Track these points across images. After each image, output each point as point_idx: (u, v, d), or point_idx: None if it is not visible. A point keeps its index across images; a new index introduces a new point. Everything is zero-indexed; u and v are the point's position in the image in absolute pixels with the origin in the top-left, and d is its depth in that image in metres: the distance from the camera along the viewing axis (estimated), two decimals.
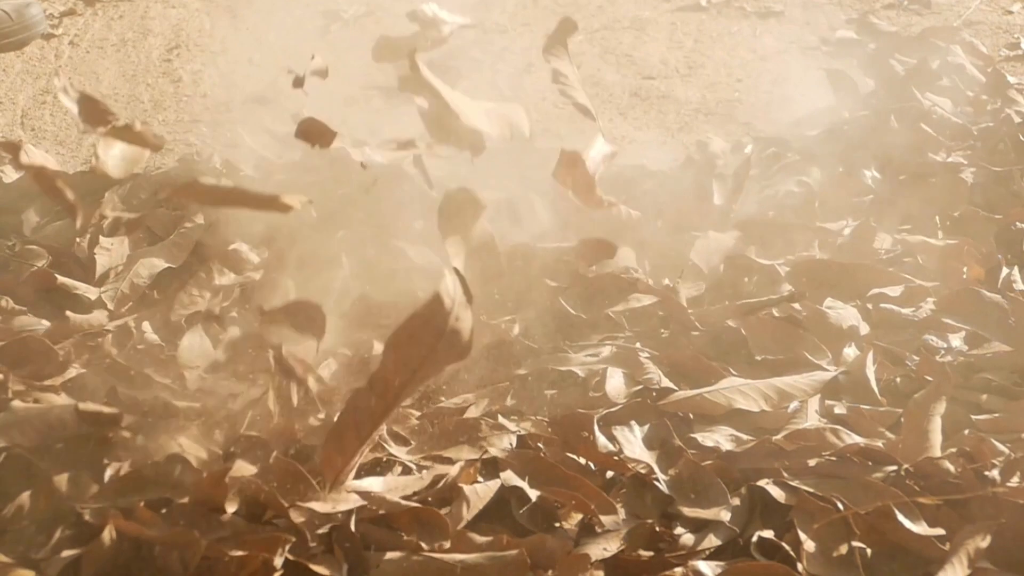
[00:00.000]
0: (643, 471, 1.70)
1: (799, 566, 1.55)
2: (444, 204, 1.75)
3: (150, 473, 1.63)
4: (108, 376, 1.90)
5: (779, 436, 1.76)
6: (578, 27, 2.07)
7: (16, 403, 1.75)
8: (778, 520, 1.64)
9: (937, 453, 1.72)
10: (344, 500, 1.60)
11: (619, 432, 1.78)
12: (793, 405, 1.86)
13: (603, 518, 1.62)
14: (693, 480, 1.68)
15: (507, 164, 2.61)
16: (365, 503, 1.59)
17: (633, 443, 1.77)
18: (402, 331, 1.49)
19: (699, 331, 2.04)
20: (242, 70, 3.22)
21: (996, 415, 1.86)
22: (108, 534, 1.51)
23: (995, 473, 1.67)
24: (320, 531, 1.56)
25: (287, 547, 1.52)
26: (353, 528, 1.56)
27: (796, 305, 2.08)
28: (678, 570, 1.54)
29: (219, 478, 1.58)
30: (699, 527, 1.63)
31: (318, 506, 1.59)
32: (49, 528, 1.57)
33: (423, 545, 1.54)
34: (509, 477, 1.67)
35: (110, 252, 2.27)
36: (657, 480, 1.69)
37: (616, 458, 1.72)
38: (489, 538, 1.56)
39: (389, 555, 1.54)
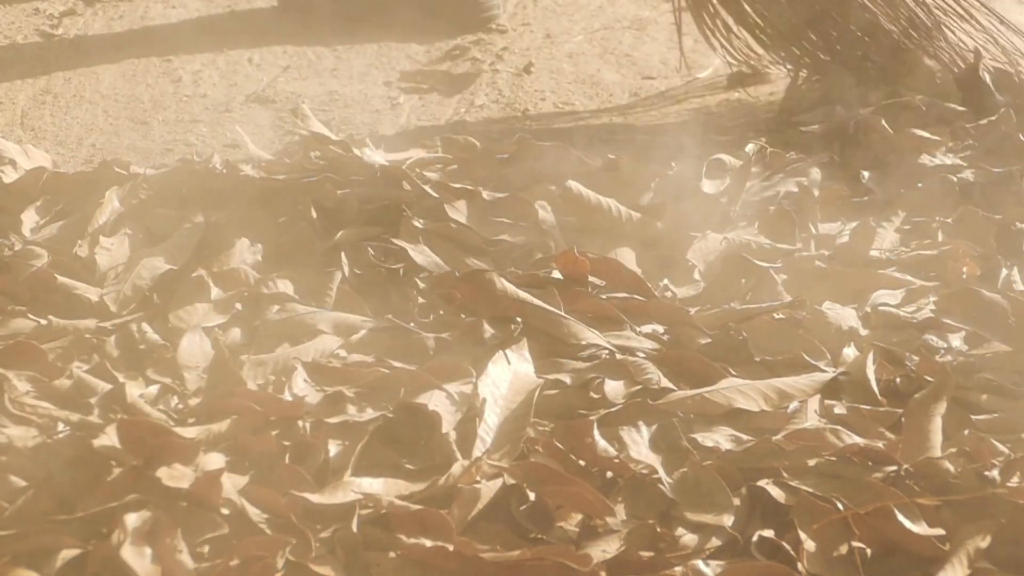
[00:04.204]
0: (644, 471, 1.70)
1: (799, 566, 1.55)
2: None
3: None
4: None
5: (779, 436, 1.76)
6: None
7: None
8: (778, 520, 1.64)
9: (937, 453, 1.72)
10: (342, 492, 1.61)
11: (625, 433, 1.78)
12: (793, 405, 1.86)
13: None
14: (698, 483, 1.68)
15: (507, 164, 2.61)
16: (361, 497, 1.60)
17: (639, 444, 1.77)
18: None
19: (699, 332, 2.03)
20: (242, 70, 3.22)
21: (996, 415, 1.86)
22: (117, 536, 1.51)
23: (995, 473, 1.67)
24: (323, 534, 1.56)
25: (287, 549, 1.52)
26: (355, 529, 1.56)
27: None
28: (678, 570, 1.54)
29: (214, 478, 1.58)
30: (700, 527, 1.63)
31: (315, 498, 1.59)
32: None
33: (425, 545, 1.54)
34: (509, 478, 1.67)
35: (110, 252, 2.26)
36: (661, 483, 1.69)
37: (616, 460, 1.72)
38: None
39: (390, 556, 1.54)
